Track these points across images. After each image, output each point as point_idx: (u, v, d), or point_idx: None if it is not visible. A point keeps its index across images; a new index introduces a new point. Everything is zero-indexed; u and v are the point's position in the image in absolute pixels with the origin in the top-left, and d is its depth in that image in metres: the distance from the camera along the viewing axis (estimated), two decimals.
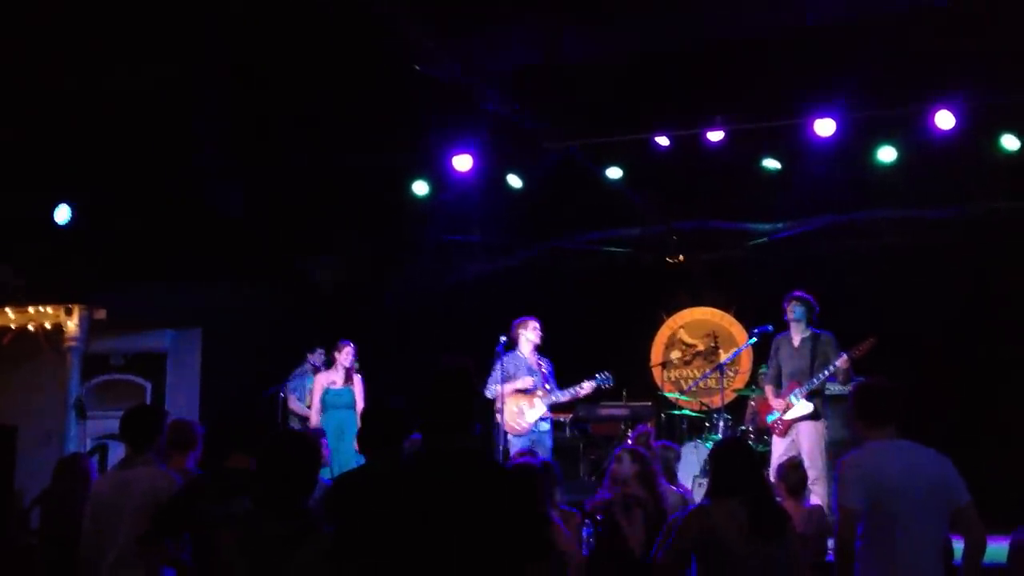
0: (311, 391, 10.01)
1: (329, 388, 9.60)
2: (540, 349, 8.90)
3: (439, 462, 3.28)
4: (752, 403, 10.69)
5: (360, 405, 9.52)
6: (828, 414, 8.29)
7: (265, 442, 3.84)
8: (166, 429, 5.15)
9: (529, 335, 8.78)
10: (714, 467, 4.74)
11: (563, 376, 9.03)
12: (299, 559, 3.45)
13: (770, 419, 8.35)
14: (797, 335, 8.33)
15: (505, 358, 8.65)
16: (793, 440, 8.16)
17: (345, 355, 9.64)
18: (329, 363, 9.90)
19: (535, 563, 3.21)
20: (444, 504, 3.15)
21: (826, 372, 8.03)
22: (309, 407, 10.03)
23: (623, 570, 5.30)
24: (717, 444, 5.13)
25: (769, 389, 8.52)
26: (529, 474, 5.14)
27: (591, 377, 8.79)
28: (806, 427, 8.08)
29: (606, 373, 8.81)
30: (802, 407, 8.11)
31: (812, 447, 8.02)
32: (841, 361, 7.94)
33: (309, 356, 10.46)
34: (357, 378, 9.68)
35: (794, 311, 8.32)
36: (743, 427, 10.15)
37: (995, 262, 10.04)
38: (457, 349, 10.27)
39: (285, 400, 10.29)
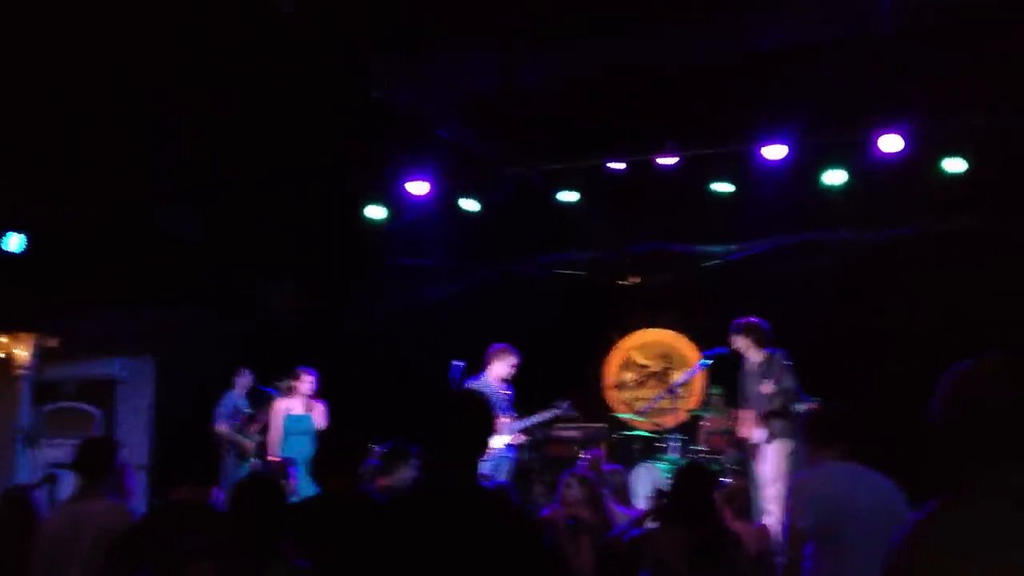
0: (246, 414, 9.93)
1: (289, 415, 9.54)
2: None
3: (450, 500, 3.05)
4: (705, 423, 10.79)
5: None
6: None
7: (239, 482, 3.87)
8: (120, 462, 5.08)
9: (501, 368, 8.70)
10: (671, 491, 4.82)
11: (518, 399, 9.05)
12: None
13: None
14: (754, 358, 8.39)
15: (471, 383, 8.62)
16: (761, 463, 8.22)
17: (306, 383, 9.59)
18: (282, 390, 9.80)
19: None
20: (459, 547, 2.94)
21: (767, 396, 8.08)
22: (241, 431, 9.92)
23: None
24: (677, 469, 5.20)
25: (745, 413, 8.54)
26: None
27: (551, 408, 8.88)
28: (771, 448, 8.13)
29: (566, 403, 8.88)
30: (757, 434, 8.17)
31: (773, 467, 8.07)
32: (765, 386, 8.03)
33: (236, 378, 10.36)
34: (319, 406, 9.62)
35: (736, 343, 8.39)
36: (696, 447, 10.23)
37: (941, 281, 10.21)
38: (414, 372, 10.32)
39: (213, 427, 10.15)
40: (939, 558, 2.05)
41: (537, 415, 8.83)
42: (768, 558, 6.28)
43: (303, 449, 9.15)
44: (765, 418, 8.13)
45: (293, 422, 9.51)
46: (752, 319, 8.40)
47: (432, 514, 3.03)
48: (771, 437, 8.12)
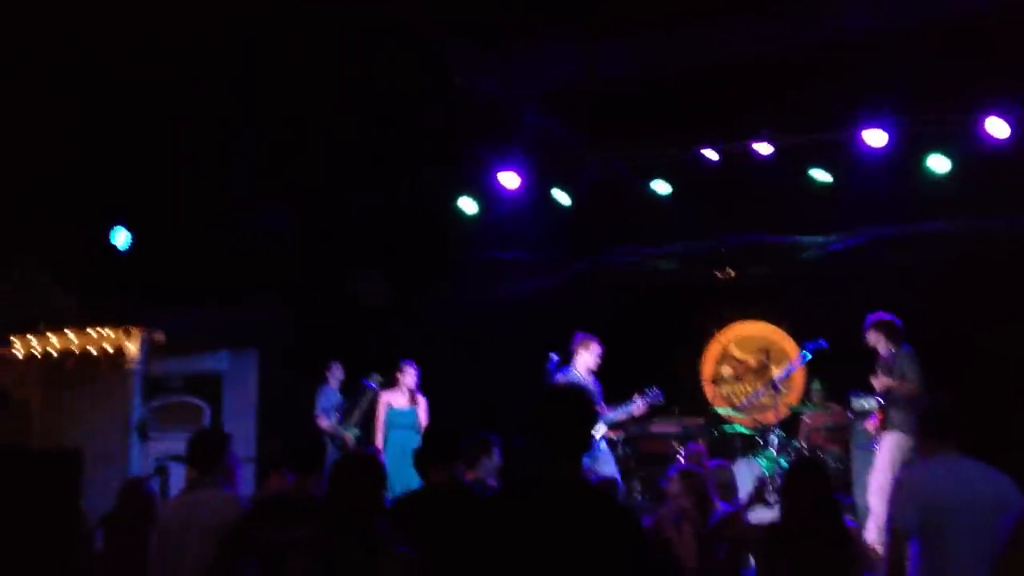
0: (345, 409, 10.08)
1: (391, 408, 9.65)
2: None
3: (555, 494, 3.06)
4: (806, 419, 10.61)
5: (424, 426, 9.55)
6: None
7: (334, 466, 3.88)
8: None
9: (588, 357, 8.63)
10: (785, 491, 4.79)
11: (612, 393, 9.01)
12: None
13: None
14: (886, 355, 8.21)
15: (559, 375, 8.63)
16: None
17: (409, 376, 9.69)
18: (388, 383, 9.91)
19: None
20: (563, 540, 2.96)
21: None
22: (341, 424, 10.07)
23: None
24: (791, 465, 5.16)
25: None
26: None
27: (642, 394, 8.71)
28: (885, 437, 7.99)
29: (656, 390, 8.74)
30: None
31: (882, 458, 7.94)
32: (878, 381, 7.96)
33: (327, 372, 10.51)
34: (421, 399, 9.72)
35: (870, 339, 8.26)
36: (796, 443, 10.07)
37: None
38: (507, 366, 10.37)
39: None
40: None
41: (626, 405, 8.70)
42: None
43: (407, 443, 9.24)
44: (884, 409, 7.96)
45: (396, 415, 9.61)
46: (885, 315, 8.24)
47: (537, 507, 3.03)
48: (884, 427, 7.95)
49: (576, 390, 3.40)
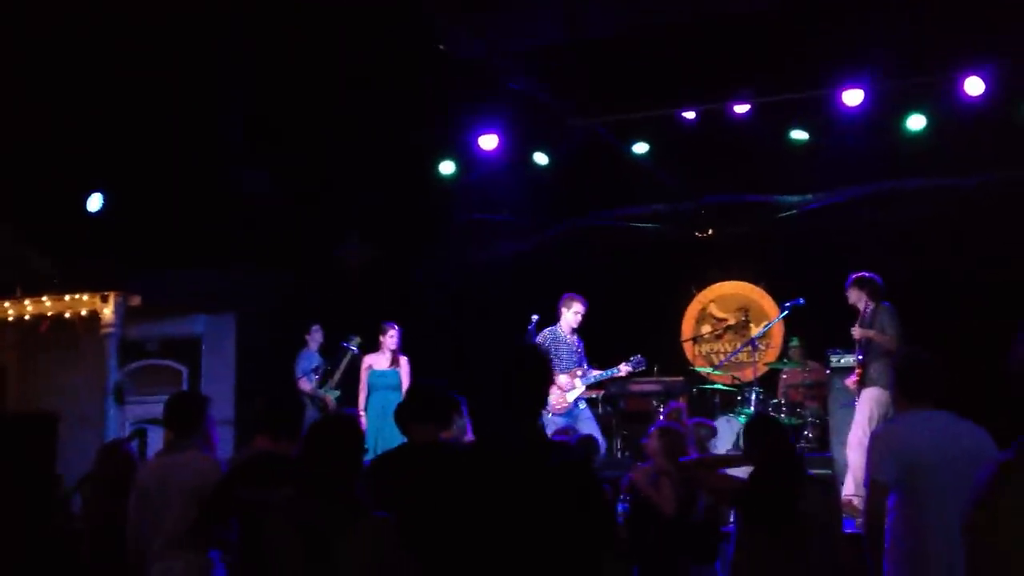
0: (324, 371, 10.08)
1: (374, 369, 9.67)
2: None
3: (510, 450, 3.14)
4: (784, 376, 10.69)
5: (406, 386, 9.59)
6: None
7: (311, 428, 3.86)
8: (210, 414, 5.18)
9: (569, 316, 8.76)
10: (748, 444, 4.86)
11: (593, 352, 9.06)
12: (352, 542, 3.45)
13: None
14: (867, 312, 8.22)
15: (546, 333, 8.67)
16: None
17: (390, 337, 9.70)
18: (369, 345, 9.92)
19: (607, 552, 3.15)
20: (518, 495, 3.02)
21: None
22: (321, 386, 10.07)
23: (659, 530, 5.46)
24: (749, 420, 5.21)
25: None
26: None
27: (627, 360, 8.87)
28: (863, 393, 8.05)
29: (639, 356, 8.88)
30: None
31: (860, 412, 8.00)
32: (856, 331, 7.99)
33: (307, 335, 10.50)
34: (403, 360, 9.74)
35: (850, 297, 8.28)
36: (775, 400, 10.15)
37: None
38: (488, 328, 10.38)
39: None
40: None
41: (610, 369, 8.85)
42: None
43: (389, 404, 9.26)
44: (863, 365, 8.01)
45: (378, 377, 9.63)
46: (867, 273, 8.26)
47: (495, 466, 3.12)
48: (863, 383, 8.01)
49: (526, 352, 3.47)
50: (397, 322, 9.93)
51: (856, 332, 7.97)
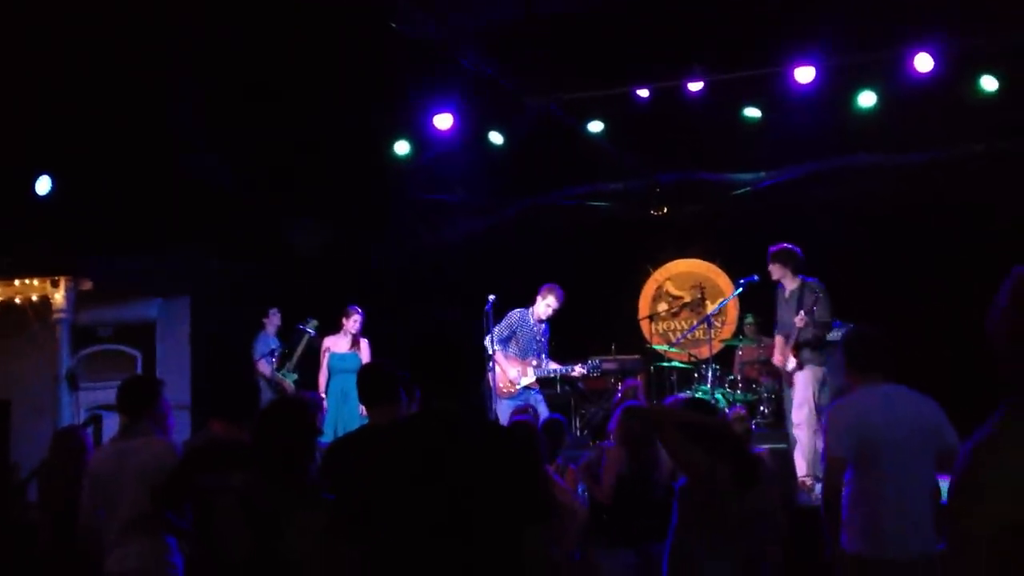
0: (281, 354, 10.03)
1: (334, 352, 9.64)
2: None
3: (436, 422, 3.19)
4: (739, 352, 10.81)
5: None
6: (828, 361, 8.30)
7: (262, 412, 3.82)
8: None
9: (541, 307, 8.69)
10: None
11: (552, 334, 9.08)
12: (300, 526, 3.42)
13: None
14: (789, 286, 8.24)
15: (515, 314, 8.69)
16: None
17: (353, 321, 9.68)
18: (328, 328, 9.88)
19: (535, 524, 3.10)
20: (442, 465, 3.07)
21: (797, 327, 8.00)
22: (279, 370, 10.02)
23: (600, 515, 5.54)
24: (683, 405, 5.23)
25: (777, 340, 8.45)
26: (529, 433, 5.33)
27: (583, 362, 8.93)
28: (799, 376, 8.08)
29: (597, 360, 8.95)
30: (791, 362, 8.13)
31: (799, 394, 8.04)
32: (799, 319, 7.94)
33: (264, 318, 10.44)
34: (364, 343, 9.72)
35: (773, 272, 8.28)
36: (731, 376, 10.26)
37: (976, 203, 10.09)
38: (445, 308, 10.35)
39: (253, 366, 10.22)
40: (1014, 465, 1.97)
41: (565, 367, 8.92)
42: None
43: (349, 386, 9.23)
44: (796, 347, 8.06)
45: (338, 360, 9.60)
46: (786, 245, 8.27)
47: (421, 437, 3.16)
48: (800, 365, 8.07)
49: (448, 327, 3.50)
50: (352, 303, 9.89)
51: (799, 321, 7.96)
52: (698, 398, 6.73)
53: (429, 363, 3.28)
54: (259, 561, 3.46)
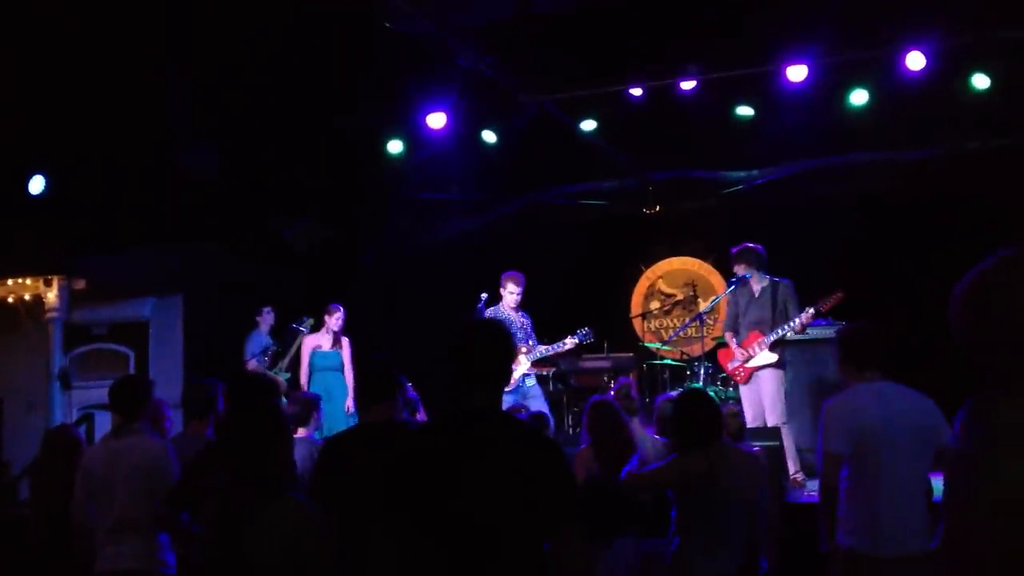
0: (273, 353, 10.02)
1: (316, 351, 9.64)
2: (521, 303, 8.93)
3: (471, 421, 3.06)
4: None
5: (348, 367, 9.59)
6: (788, 359, 8.28)
7: (228, 412, 3.77)
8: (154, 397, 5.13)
9: (506, 296, 8.76)
10: (680, 420, 4.89)
11: (543, 329, 9.08)
12: (262, 525, 3.35)
13: (731, 366, 8.34)
14: (757, 284, 8.20)
15: (488, 312, 8.69)
16: (756, 387, 8.15)
17: (335, 319, 9.69)
18: (307, 326, 9.88)
19: (574, 524, 2.97)
20: (478, 466, 2.94)
21: (789, 325, 7.93)
22: (271, 369, 10.00)
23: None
24: (680, 396, 5.22)
25: (729, 336, 8.41)
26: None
27: (573, 334, 8.86)
28: (767, 374, 8.02)
29: (586, 329, 8.90)
30: (765, 357, 8.05)
31: (772, 394, 8.00)
32: (805, 316, 7.88)
33: (257, 317, 10.43)
34: (345, 341, 9.73)
35: (738, 269, 8.23)
36: (723, 374, 10.25)
37: (969, 201, 10.11)
38: (438, 307, 10.35)
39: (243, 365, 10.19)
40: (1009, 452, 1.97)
41: (556, 344, 8.86)
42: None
43: (331, 384, 9.24)
44: (777, 343, 8.04)
45: (320, 357, 9.60)
46: (748, 244, 8.23)
47: (457, 437, 3.03)
48: (780, 363, 8.03)
49: (489, 324, 3.42)
50: (346, 302, 9.89)
51: (805, 318, 7.93)
52: (695, 389, 6.73)
53: (478, 355, 3.11)
54: (221, 560, 3.41)
